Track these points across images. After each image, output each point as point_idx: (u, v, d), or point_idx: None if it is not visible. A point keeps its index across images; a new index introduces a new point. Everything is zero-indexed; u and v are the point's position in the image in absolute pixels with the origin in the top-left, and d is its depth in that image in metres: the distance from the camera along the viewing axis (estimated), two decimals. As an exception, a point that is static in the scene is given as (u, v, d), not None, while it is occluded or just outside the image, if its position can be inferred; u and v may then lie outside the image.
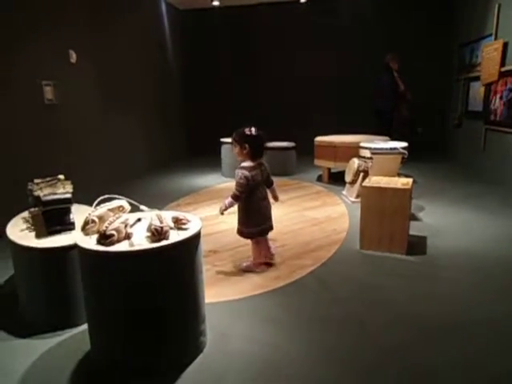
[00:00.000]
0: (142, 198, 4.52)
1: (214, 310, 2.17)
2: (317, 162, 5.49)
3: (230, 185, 5.36)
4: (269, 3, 7.56)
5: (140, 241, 1.65)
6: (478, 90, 5.84)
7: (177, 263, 1.65)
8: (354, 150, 4.54)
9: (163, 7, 6.97)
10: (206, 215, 4.03)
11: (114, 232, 1.63)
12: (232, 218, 3.85)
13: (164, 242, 1.60)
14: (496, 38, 5.26)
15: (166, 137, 7.34)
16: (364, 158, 4.24)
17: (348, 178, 4.44)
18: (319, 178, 5.60)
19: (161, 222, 1.66)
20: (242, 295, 2.36)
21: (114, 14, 5.45)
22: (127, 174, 5.72)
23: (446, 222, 3.59)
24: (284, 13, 7.47)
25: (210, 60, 8.21)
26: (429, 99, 7.41)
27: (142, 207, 1.94)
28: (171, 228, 1.74)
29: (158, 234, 1.63)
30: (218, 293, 2.40)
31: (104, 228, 1.64)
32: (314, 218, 3.88)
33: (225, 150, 5.93)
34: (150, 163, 6.58)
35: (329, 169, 5.39)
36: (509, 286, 2.38)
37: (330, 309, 2.18)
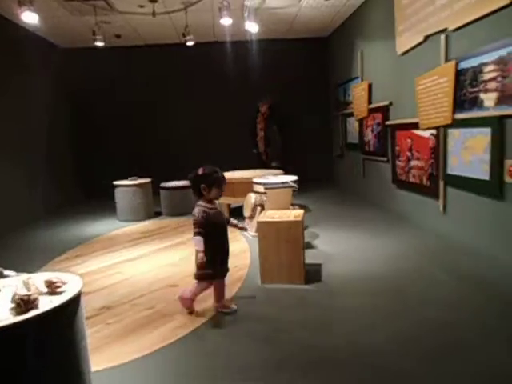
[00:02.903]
0: (20, 255, 3.97)
1: (105, 377, 1.93)
2: (216, 198, 5.50)
3: (128, 229, 5.10)
4: (157, 45, 7.63)
5: (2, 315, 1.40)
6: (353, 124, 6.59)
7: (50, 335, 1.43)
8: (250, 185, 4.67)
9: (44, 48, 6.54)
10: (98, 267, 3.69)
11: (-35, 309, 1.36)
12: (128, 267, 3.63)
13: (32, 313, 1.38)
14: (362, 80, 6.04)
15: (54, 182, 6.67)
16: (259, 192, 4.37)
17: (246, 212, 4.52)
18: (220, 215, 5.60)
19: (28, 290, 1.44)
20: (140, 354, 2.15)
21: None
22: (2, 228, 5.00)
23: (338, 247, 3.84)
24: (174, 54, 7.59)
25: (100, 101, 7.87)
26: (315, 133, 8.13)
27: (7, 272, 1.67)
28: (43, 294, 1.52)
29: (24, 304, 1.40)
30: (110, 356, 2.15)
31: (-48, 306, 1.36)
32: (215, 256, 3.82)
33: (120, 193, 5.61)
34: (34, 213, 5.87)
35: (229, 204, 5.44)
36: (395, 307, 2.57)
37: (233, 354, 2.11)
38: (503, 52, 3.00)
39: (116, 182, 5.63)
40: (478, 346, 2.03)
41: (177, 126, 7.97)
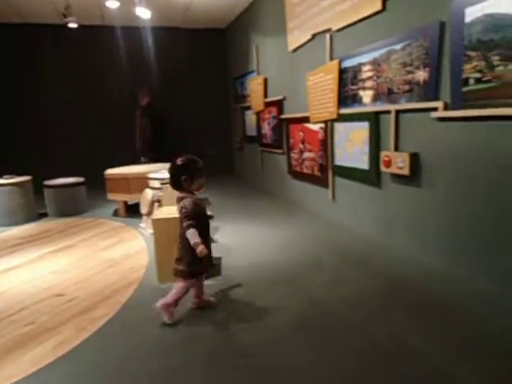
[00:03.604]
0: None
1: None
2: (110, 195, 5.14)
3: (4, 235, 4.46)
4: (36, 24, 6.77)
5: None
6: (251, 117, 6.71)
7: None
8: (146, 181, 4.45)
9: None
10: (-36, 281, 3.16)
11: None
12: (4, 279, 3.17)
13: None
14: (258, 74, 6.17)
15: None
16: (156, 188, 4.19)
17: (143, 209, 4.31)
18: (116, 213, 5.25)
19: None
20: (7, 383, 1.88)
21: None
22: None
23: (238, 239, 3.88)
24: (53, 36, 6.81)
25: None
26: (214, 126, 8.10)
27: None
28: None
29: None
30: (-25, 387, 1.84)
31: None
32: (109, 258, 3.57)
33: (-6, 193, 4.88)
34: None
35: (125, 202, 5.13)
36: (292, 292, 2.69)
37: (126, 364, 1.98)
38: (376, 54, 3.31)
39: (-11, 181, 4.88)
40: (363, 323, 2.22)
41: (56, 118, 7.21)
